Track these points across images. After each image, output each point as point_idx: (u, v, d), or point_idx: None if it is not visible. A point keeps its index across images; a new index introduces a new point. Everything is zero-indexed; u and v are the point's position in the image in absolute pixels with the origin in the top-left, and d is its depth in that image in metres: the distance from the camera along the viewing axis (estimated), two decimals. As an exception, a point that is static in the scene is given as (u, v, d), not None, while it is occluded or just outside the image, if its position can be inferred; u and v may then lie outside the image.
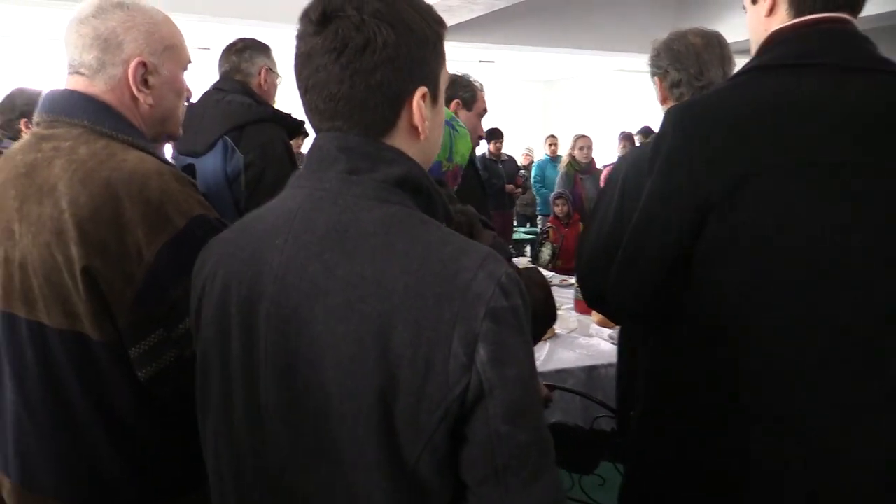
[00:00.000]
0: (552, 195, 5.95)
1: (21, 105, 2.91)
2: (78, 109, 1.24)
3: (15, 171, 1.23)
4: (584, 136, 6.25)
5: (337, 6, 0.89)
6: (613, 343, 3.03)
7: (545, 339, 3.12)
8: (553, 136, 8.61)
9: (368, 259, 0.84)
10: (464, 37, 6.81)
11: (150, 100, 1.30)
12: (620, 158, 1.97)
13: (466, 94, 2.13)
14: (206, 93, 2.66)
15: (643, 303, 1.42)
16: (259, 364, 0.91)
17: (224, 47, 2.70)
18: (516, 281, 0.85)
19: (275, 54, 2.70)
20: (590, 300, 1.89)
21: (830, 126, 1.20)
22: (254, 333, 0.91)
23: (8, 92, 3.03)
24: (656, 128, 1.55)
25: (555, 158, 8.36)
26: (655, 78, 1.96)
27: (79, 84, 1.27)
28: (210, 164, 2.47)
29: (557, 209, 5.78)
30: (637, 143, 7.33)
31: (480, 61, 10.37)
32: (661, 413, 1.43)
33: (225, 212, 2.45)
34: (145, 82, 1.29)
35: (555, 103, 12.98)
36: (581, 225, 5.72)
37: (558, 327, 3.32)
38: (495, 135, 8.08)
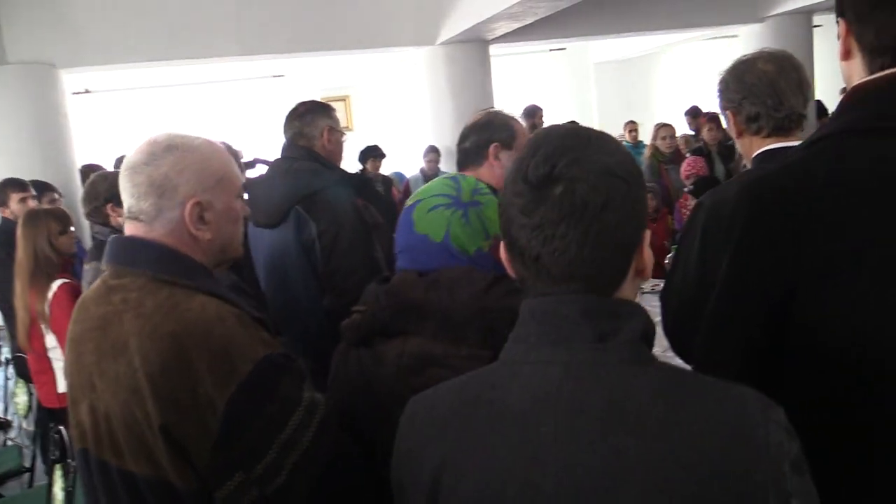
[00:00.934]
0: (638, 189, 5.77)
1: (104, 191, 3.05)
2: (140, 258, 1.31)
3: (90, 322, 1.31)
4: (666, 125, 6.02)
5: (563, 167, 0.87)
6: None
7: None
8: (633, 122, 8.38)
9: (657, 435, 0.81)
10: (532, 35, 6.74)
11: (208, 235, 1.35)
12: (693, 210, 1.88)
13: (504, 134, 2.09)
14: (276, 162, 2.74)
15: (735, 370, 1.37)
16: None
17: (287, 113, 2.76)
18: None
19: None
20: (679, 353, 1.85)
21: None
22: None
23: (90, 178, 3.21)
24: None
25: (636, 145, 8.15)
26: (728, 112, 1.84)
27: (139, 230, 1.33)
28: (281, 236, 2.54)
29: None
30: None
31: (551, 50, 10.23)
32: None
33: (298, 280, 2.53)
34: (201, 219, 1.34)
35: (630, 85, 12.60)
36: (670, 218, 5.52)
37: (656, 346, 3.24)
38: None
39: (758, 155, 1.80)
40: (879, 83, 1.15)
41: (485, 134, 2.05)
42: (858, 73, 1.20)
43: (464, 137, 2.07)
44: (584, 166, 0.87)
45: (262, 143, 9.50)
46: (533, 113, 7.34)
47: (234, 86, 9.66)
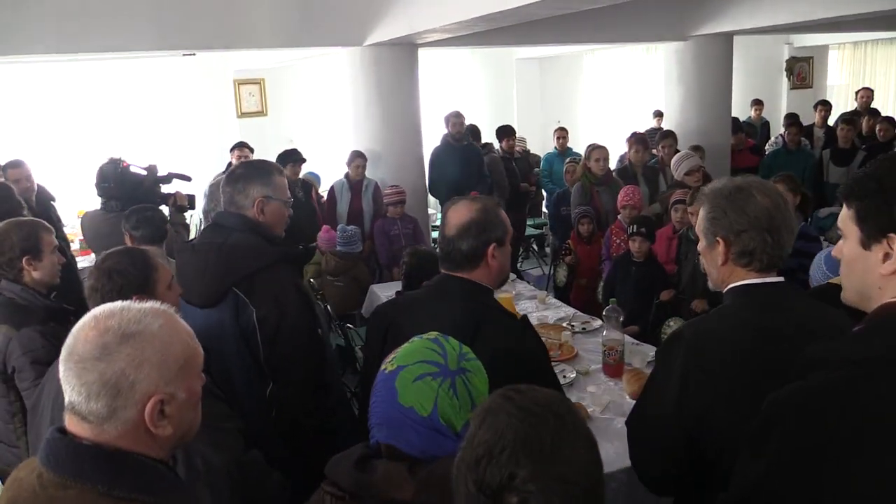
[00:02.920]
0: (575, 213, 5.73)
1: (19, 241, 2.68)
2: (89, 470, 1.13)
3: None
4: (599, 148, 6.00)
5: (521, 481, 0.94)
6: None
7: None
8: (563, 129, 8.38)
9: None
10: (463, 41, 6.57)
11: (168, 430, 1.19)
12: (672, 339, 1.81)
13: (500, 232, 1.99)
14: (207, 230, 2.51)
15: None
16: None
17: (227, 173, 2.54)
18: None
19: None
20: (647, 483, 1.88)
21: None
22: None
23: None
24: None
25: (563, 152, 8.15)
26: (718, 239, 1.74)
27: (85, 431, 1.15)
28: (217, 318, 2.35)
29: (582, 228, 5.59)
30: (657, 128, 7.08)
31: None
32: None
33: (236, 365, 2.34)
34: (162, 413, 1.16)
35: (551, 84, 12.61)
36: (601, 242, 5.54)
37: (591, 405, 3.22)
38: (507, 132, 7.88)
39: (738, 287, 1.76)
40: None
41: (483, 236, 1.95)
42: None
43: (459, 238, 1.95)
44: (542, 481, 0.91)
45: (168, 125, 9.04)
46: (457, 117, 7.25)
47: (142, 62, 9.08)
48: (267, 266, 2.34)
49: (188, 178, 4.64)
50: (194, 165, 7.86)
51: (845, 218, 1.24)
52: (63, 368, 1.15)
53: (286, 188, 2.53)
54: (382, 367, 1.40)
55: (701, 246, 1.84)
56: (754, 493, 1.24)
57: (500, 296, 2.71)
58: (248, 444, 2.02)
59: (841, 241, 1.28)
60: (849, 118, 7.31)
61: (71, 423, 1.17)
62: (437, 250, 2.03)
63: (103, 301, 1.99)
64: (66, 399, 1.16)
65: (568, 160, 6.60)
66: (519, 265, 8.08)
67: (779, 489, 1.18)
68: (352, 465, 1.34)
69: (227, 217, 2.46)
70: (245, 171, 2.49)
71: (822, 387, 1.17)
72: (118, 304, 1.21)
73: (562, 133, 8.28)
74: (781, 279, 1.75)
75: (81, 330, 1.16)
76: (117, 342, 1.14)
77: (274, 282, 2.32)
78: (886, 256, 1.16)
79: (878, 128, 7.39)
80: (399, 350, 1.42)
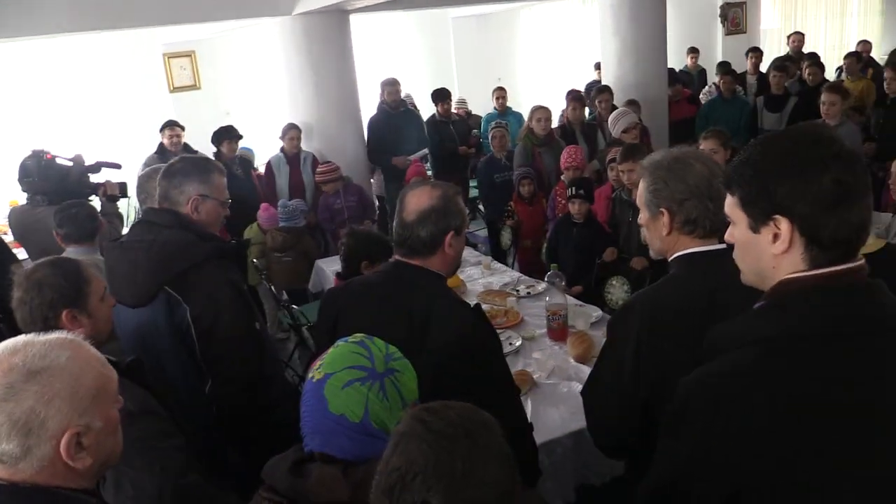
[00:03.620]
0: (516, 175, 5.73)
1: None
2: None
3: None
4: (542, 108, 5.98)
5: None
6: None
7: (524, 394, 3.06)
8: (501, 89, 8.30)
9: None
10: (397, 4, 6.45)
11: (87, 461, 1.17)
12: (624, 310, 1.86)
13: (458, 220, 1.97)
14: (137, 227, 2.45)
15: None
16: None
17: (164, 167, 2.47)
18: None
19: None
20: (603, 449, 1.98)
21: None
22: None
23: None
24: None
25: (503, 112, 8.11)
26: (662, 210, 1.78)
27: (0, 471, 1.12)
28: (149, 317, 2.31)
29: (524, 189, 5.59)
30: (591, 101, 7.09)
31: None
32: None
33: (173, 365, 2.31)
34: (80, 444, 1.14)
35: (490, 42, 12.47)
36: (544, 202, 5.57)
37: (536, 371, 3.27)
38: (442, 95, 7.78)
39: (684, 256, 1.81)
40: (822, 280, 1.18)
41: (441, 223, 1.91)
42: (785, 268, 1.21)
43: (418, 224, 1.91)
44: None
45: (97, 105, 8.69)
46: (392, 84, 7.15)
47: (63, 39, 8.69)
48: (199, 263, 2.30)
49: (118, 166, 4.49)
50: (128, 145, 7.63)
51: (731, 205, 1.29)
52: None
53: (225, 188, 2.48)
54: (310, 375, 1.40)
55: (643, 218, 1.88)
56: (672, 478, 1.28)
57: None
58: (193, 444, 1.99)
59: (731, 227, 1.32)
60: (780, 65, 7.42)
61: None
62: (394, 235, 1.98)
63: (32, 315, 1.94)
64: None
65: (493, 124, 6.56)
66: (466, 228, 8.08)
67: (697, 474, 1.23)
68: (287, 469, 1.35)
69: (157, 214, 2.40)
70: (184, 166, 2.43)
71: (727, 369, 1.22)
72: (21, 338, 1.17)
73: (500, 93, 8.22)
74: (724, 245, 1.80)
75: None
76: (23, 380, 1.11)
77: (207, 279, 2.28)
78: (775, 237, 1.20)
79: (806, 72, 7.53)
80: (325, 356, 1.42)
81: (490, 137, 6.39)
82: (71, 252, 3.40)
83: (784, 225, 1.18)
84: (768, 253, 1.23)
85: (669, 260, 1.84)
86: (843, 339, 1.16)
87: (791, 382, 1.15)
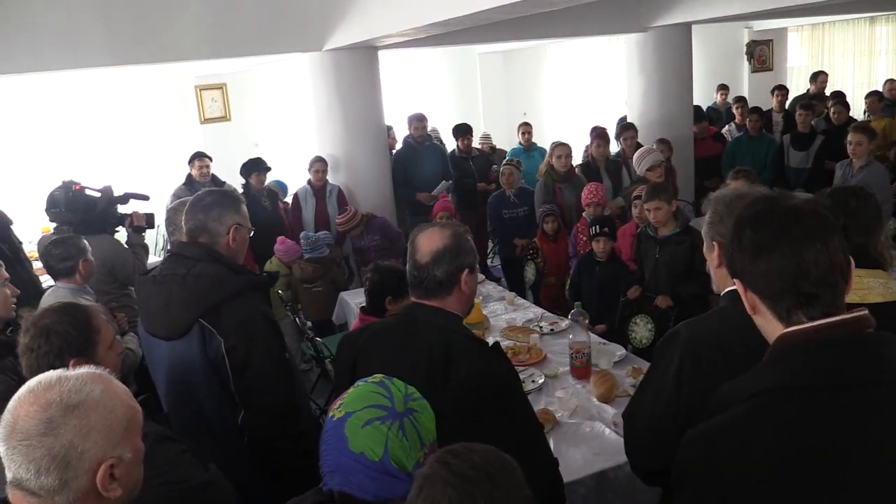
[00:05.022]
0: (540, 212, 5.77)
1: None
2: None
3: None
4: (562, 144, 6.04)
5: None
6: (618, 432, 2.98)
7: (546, 433, 3.05)
8: (527, 124, 8.36)
9: None
10: (424, 42, 6.55)
11: (118, 492, 1.21)
12: (670, 337, 1.89)
13: (472, 258, 2.01)
14: (168, 261, 2.50)
15: None
16: None
17: (191, 201, 2.52)
18: None
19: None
20: (640, 475, 1.98)
21: None
22: None
23: None
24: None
25: (529, 147, 8.16)
26: (714, 243, 1.86)
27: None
28: (184, 349, 2.35)
29: (547, 227, 5.64)
30: (617, 138, 7.12)
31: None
32: None
33: (206, 397, 2.35)
34: (112, 476, 1.18)
35: (515, 77, 12.60)
36: (567, 238, 5.59)
37: (559, 410, 3.27)
38: (463, 130, 7.86)
39: (732, 291, 1.83)
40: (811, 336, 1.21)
41: (456, 262, 1.95)
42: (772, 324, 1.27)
43: (434, 265, 1.94)
44: None
45: (130, 135, 8.86)
46: (419, 119, 7.26)
47: (99, 72, 8.91)
48: (232, 295, 2.34)
49: (146, 198, 4.57)
50: (158, 175, 7.77)
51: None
52: (5, 448, 1.15)
53: (248, 217, 2.55)
54: (330, 413, 1.43)
55: (704, 248, 1.96)
56: None
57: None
58: (224, 471, 1.99)
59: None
60: (807, 104, 7.43)
61: (16, 498, 1.17)
62: (409, 278, 2.01)
63: (38, 363, 1.90)
64: (10, 475, 1.16)
65: (504, 162, 6.60)
66: (489, 261, 8.11)
67: None
68: None
69: (187, 247, 2.46)
70: (217, 198, 2.49)
71: (722, 424, 1.26)
72: (53, 374, 1.21)
73: (526, 128, 8.28)
74: None
75: (20, 406, 1.17)
76: (62, 414, 1.15)
77: (240, 311, 2.33)
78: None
79: (832, 110, 7.51)
80: (345, 395, 1.45)
81: (500, 174, 6.46)
82: (60, 287, 3.52)
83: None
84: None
85: (721, 294, 1.89)
86: (830, 391, 1.18)
87: (776, 436, 1.18)
